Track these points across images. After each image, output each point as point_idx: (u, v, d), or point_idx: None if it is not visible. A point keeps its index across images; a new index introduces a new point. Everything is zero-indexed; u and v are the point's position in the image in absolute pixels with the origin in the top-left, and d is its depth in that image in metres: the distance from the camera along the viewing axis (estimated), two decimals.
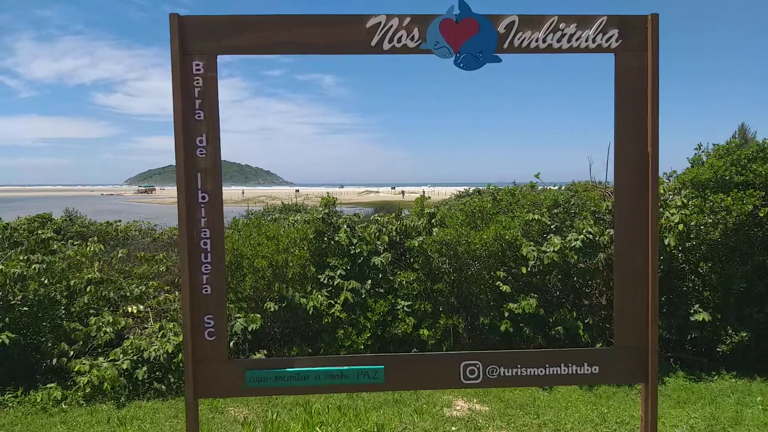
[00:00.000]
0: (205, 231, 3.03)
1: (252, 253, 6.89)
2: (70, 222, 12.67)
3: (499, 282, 6.63)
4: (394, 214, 8.25)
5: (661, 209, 6.65)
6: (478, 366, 3.16)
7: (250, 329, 6.29)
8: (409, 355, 3.61)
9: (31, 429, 4.97)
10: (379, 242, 7.33)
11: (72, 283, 6.70)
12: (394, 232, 7.57)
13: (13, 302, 6.10)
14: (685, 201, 6.75)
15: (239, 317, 6.35)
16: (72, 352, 6.07)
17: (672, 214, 6.57)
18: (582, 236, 6.64)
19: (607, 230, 6.72)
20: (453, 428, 4.93)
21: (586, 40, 3.02)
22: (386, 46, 2.99)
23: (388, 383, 3.15)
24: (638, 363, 3.18)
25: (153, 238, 11.63)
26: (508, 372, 3.17)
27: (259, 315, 6.42)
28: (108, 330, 6.22)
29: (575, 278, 6.95)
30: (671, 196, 7.03)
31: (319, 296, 6.61)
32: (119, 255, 8.22)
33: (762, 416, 5.14)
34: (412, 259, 7.26)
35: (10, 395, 5.62)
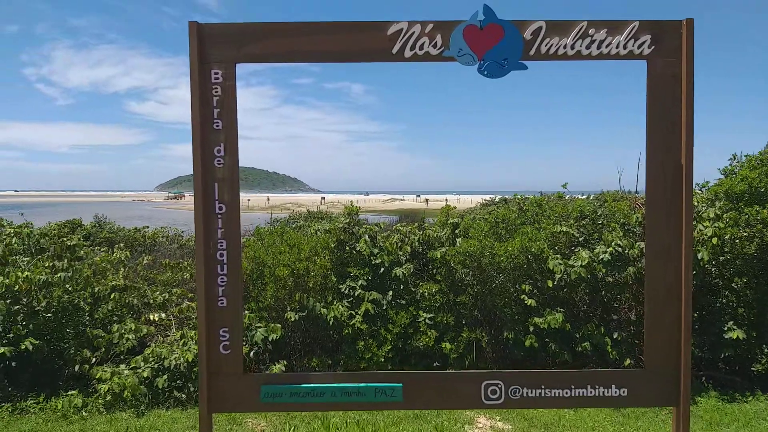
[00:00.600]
0: (221, 242, 2.98)
1: (273, 261, 6.85)
2: (99, 228, 12.87)
3: (524, 295, 6.46)
4: (416, 224, 8.15)
5: (693, 222, 6.42)
6: (500, 386, 3.04)
7: (270, 339, 6.24)
8: (429, 372, 3.51)
9: None
10: (401, 252, 7.22)
11: (96, 290, 6.74)
12: (417, 243, 7.46)
13: (37, 308, 6.15)
14: (719, 213, 6.50)
15: (260, 327, 6.30)
16: (94, 359, 6.09)
17: (705, 227, 6.33)
18: (611, 249, 6.44)
19: (637, 243, 6.51)
20: None
21: (617, 47, 2.90)
22: (408, 53, 2.91)
23: (406, 402, 3.05)
24: (669, 385, 3.02)
25: (180, 244, 11.74)
26: (531, 393, 3.05)
27: (279, 325, 6.37)
28: (130, 337, 6.23)
29: (603, 292, 6.75)
30: (704, 208, 6.79)
31: (340, 307, 6.53)
32: (144, 262, 8.28)
33: None
34: (434, 271, 7.14)
35: (32, 401, 5.65)
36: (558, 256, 6.61)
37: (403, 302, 6.86)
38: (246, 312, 6.43)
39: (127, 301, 6.88)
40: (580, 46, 2.91)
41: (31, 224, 9.95)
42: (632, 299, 6.76)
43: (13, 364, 5.78)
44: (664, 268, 2.99)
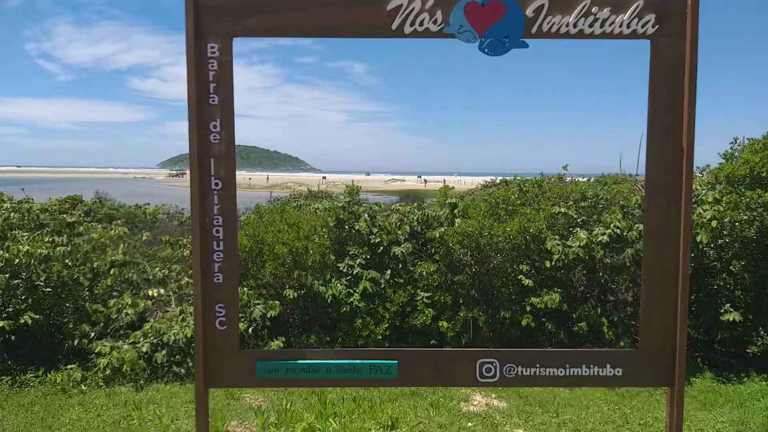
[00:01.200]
0: (217, 218, 2.96)
1: (273, 239, 6.85)
2: (99, 204, 12.87)
3: (521, 276, 6.48)
4: (416, 204, 8.14)
5: (693, 205, 6.40)
6: (495, 364, 3.05)
7: (268, 316, 6.27)
8: (424, 350, 3.52)
9: (49, 410, 5.03)
10: (400, 232, 7.23)
11: (96, 265, 6.76)
12: (416, 222, 7.46)
13: (37, 283, 6.18)
14: (719, 197, 6.48)
15: (258, 304, 6.33)
16: (93, 334, 6.13)
17: (705, 210, 6.32)
18: (609, 230, 6.44)
19: (636, 225, 6.50)
20: (469, 424, 4.84)
21: (620, 26, 2.84)
22: (407, 29, 2.86)
23: (401, 379, 3.06)
24: (664, 366, 3.03)
25: (180, 222, 11.75)
26: (526, 371, 3.05)
27: (278, 302, 6.40)
28: (129, 312, 6.26)
29: (601, 274, 6.76)
30: (704, 192, 6.77)
31: (338, 285, 6.55)
32: (144, 238, 8.29)
33: None
34: (433, 250, 7.15)
35: (31, 375, 5.70)
36: (556, 236, 6.62)
37: (401, 281, 6.89)
38: (245, 289, 6.45)
39: (126, 277, 6.90)
40: (583, 24, 2.85)
41: (32, 199, 9.95)
42: (629, 281, 6.78)
43: (13, 337, 5.82)
44: (662, 250, 2.98)
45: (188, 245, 7.88)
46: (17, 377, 5.65)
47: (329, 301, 6.47)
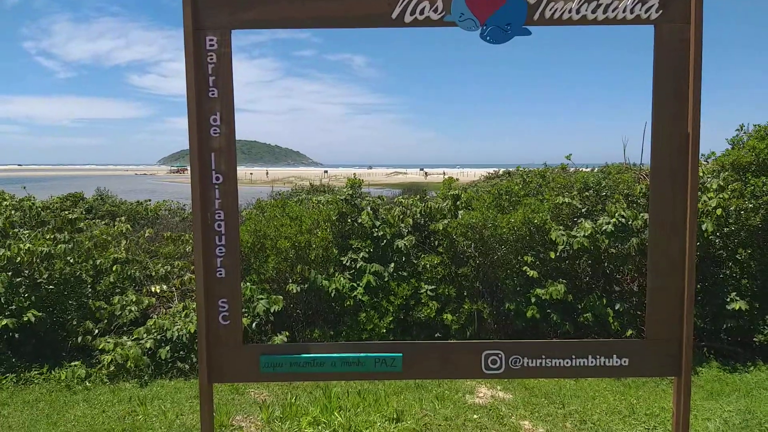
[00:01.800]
0: (219, 213, 2.93)
1: (275, 234, 6.83)
2: (101, 201, 12.86)
3: (526, 267, 6.45)
4: (418, 196, 8.10)
5: (698, 193, 6.35)
6: (500, 356, 3.02)
7: (272, 311, 6.25)
8: (429, 343, 3.50)
9: (54, 406, 5.03)
10: (402, 225, 7.20)
11: (98, 263, 6.74)
12: (419, 215, 7.42)
13: (39, 280, 6.17)
14: (723, 184, 6.43)
15: (261, 298, 6.32)
16: (97, 331, 6.12)
17: (710, 198, 6.27)
18: (614, 220, 6.40)
19: (641, 214, 6.46)
20: (475, 416, 4.82)
21: (624, 11, 2.80)
22: (408, 18, 2.82)
23: (406, 372, 3.04)
24: (671, 356, 3.00)
25: (182, 218, 11.73)
26: (532, 363, 3.02)
27: (281, 297, 6.38)
28: (133, 309, 6.25)
29: (606, 263, 6.73)
30: (709, 179, 6.72)
31: (342, 279, 6.53)
32: (146, 234, 8.28)
33: None
34: (436, 243, 7.12)
35: (36, 372, 5.71)
36: (561, 227, 6.58)
37: (405, 274, 6.86)
38: (248, 284, 6.44)
39: (129, 274, 6.89)
40: (586, 10, 2.81)
41: (33, 197, 9.94)
42: (635, 270, 6.74)
43: (17, 335, 5.82)
44: (667, 239, 2.94)
45: (190, 241, 7.86)
46: (21, 374, 5.66)
47: (333, 295, 6.46)
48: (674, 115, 2.86)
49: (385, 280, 6.68)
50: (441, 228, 6.83)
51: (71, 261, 6.44)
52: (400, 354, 3.02)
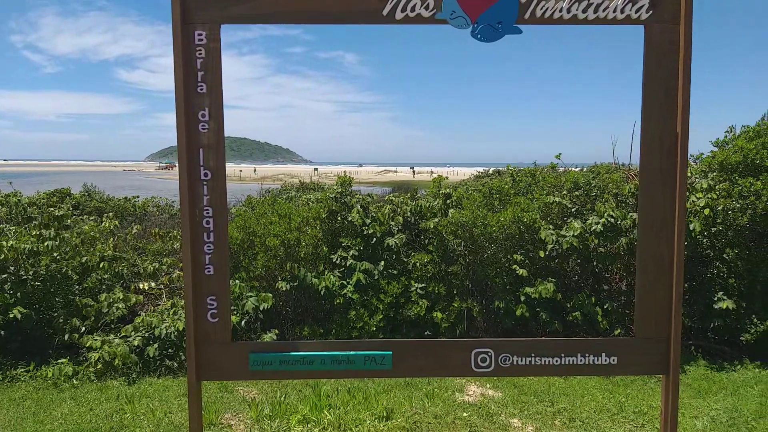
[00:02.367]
0: (207, 209, 2.91)
1: (264, 231, 6.80)
2: (88, 197, 12.74)
3: (515, 265, 6.47)
4: (409, 195, 8.09)
5: (687, 193, 6.40)
6: (490, 354, 3.03)
7: (261, 308, 6.23)
8: (418, 341, 3.49)
9: (41, 404, 4.98)
10: (393, 223, 7.19)
11: (85, 259, 6.68)
12: (409, 213, 7.42)
13: (25, 277, 6.10)
14: (712, 184, 6.48)
15: (250, 296, 6.29)
16: (84, 328, 6.06)
17: (698, 198, 6.32)
18: (603, 220, 6.43)
19: (630, 214, 6.50)
20: (465, 414, 4.83)
21: (614, 11, 2.80)
22: (399, 15, 2.81)
23: (395, 370, 3.04)
24: (659, 354, 3.02)
25: (170, 214, 11.65)
26: (521, 361, 3.03)
27: (270, 294, 6.35)
28: (120, 306, 6.20)
29: (595, 263, 6.76)
30: (697, 180, 6.77)
31: (332, 277, 6.51)
32: (134, 231, 8.22)
33: None
34: (426, 241, 7.12)
35: (22, 369, 5.65)
36: (550, 226, 6.60)
37: (395, 272, 6.85)
38: (237, 281, 6.40)
39: (116, 271, 6.83)
40: (576, 9, 2.82)
41: (20, 193, 9.83)
42: (623, 270, 6.78)
43: (2, 332, 5.75)
44: (656, 239, 2.96)
45: (179, 237, 7.81)
46: (7, 372, 5.59)
47: (322, 293, 6.44)
48: (663, 114, 2.88)
49: (375, 278, 6.67)
50: (431, 226, 6.84)
51: (57, 257, 6.37)
52: (390, 352, 3.01)
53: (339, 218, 7.10)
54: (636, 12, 2.82)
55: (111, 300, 6.21)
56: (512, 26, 2.84)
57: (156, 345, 5.81)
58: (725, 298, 6.16)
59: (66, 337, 5.94)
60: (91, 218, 8.82)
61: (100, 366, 5.59)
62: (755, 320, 6.24)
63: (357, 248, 6.79)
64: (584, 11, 2.81)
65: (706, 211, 6.18)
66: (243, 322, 6.15)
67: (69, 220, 7.29)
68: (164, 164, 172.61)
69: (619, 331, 6.30)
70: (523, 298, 6.31)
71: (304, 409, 4.73)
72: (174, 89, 2.82)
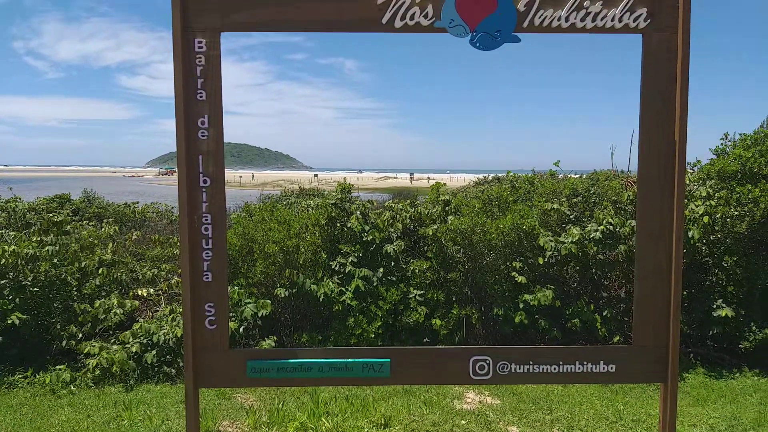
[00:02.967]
0: (206, 216, 2.92)
1: (263, 238, 6.80)
2: (88, 203, 12.76)
3: (514, 272, 6.46)
4: (408, 201, 8.10)
5: (685, 200, 6.41)
6: (488, 362, 3.03)
7: (260, 315, 6.22)
8: (417, 348, 3.49)
9: (38, 411, 4.97)
10: (392, 229, 7.19)
11: (84, 265, 6.67)
12: (408, 220, 7.42)
13: (24, 283, 6.09)
14: (711, 192, 6.50)
15: (249, 303, 6.28)
16: (81, 335, 6.05)
17: (697, 206, 6.33)
18: (602, 227, 6.43)
19: (629, 221, 6.50)
20: (463, 422, 4.82)
21: (612, 20, 2.82)
22: (398, 23, 2.83)
23: (393, 377, 3.03)
24: (658, 362, 3.02)
25: (170, 220, 11.65)
26: (519, 369, 3.03)
27: (269, 301, 6.35)
28: (118, 312, 6.19)
29: (594, 270, 6.76)
30: (696, 187, 6.78)
31: (330, 283, 6.51)
32: (133, 237, 8.21)
33: None
34: (425, 248, 7.12)
35: (20, 376, 5.63)
36: (549, 233, 6.60)
37: (394, 279, 6.85)
38: (235, 288, 6.40)
39: (115, 277, 6.82)
40: (575, 18, 2.83)
41: (20, 198, 9.83)
42: (622, 277, 6.78)
43: (0, 338, 5.73)
44: (654, 246, 2.96)
45: (178, 244, 7.80)
46: (5, 378, 5.57)
47: (321, 299, 6.43)
48: (661, 122, 2.89)
49: (374, 284, 6.66)
50: (430, 233, 6.84)
51: (57, 263, 6.36)
52: (388, 359, 3.01)
53: (338, 225, 7.10)
54: (634, 21, 2.84)
55: (107, 306, 6.19)
56: (511, 35, 2.86)
57: (154, 351, 5.80)
58: (724, 305, 6.16)
59: (64, 343, 5.93)
60: (90, 224, 8.82)
61: (97, 372, 5.58)
62: (754, 328, 6.23)
63: (356, 255, 6.79)
64: (582, 20, 2.83)
65: (705, 219, 6.18)
66: (241, 329, 6.14)
67: (68, 226, 7.28)
68: (164, 170, 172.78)
69: (618, 338, 6.29)
70: (521, 305, 6.31)
71: (302, 417, 4.72)
72: (174, 96, 2.83)
